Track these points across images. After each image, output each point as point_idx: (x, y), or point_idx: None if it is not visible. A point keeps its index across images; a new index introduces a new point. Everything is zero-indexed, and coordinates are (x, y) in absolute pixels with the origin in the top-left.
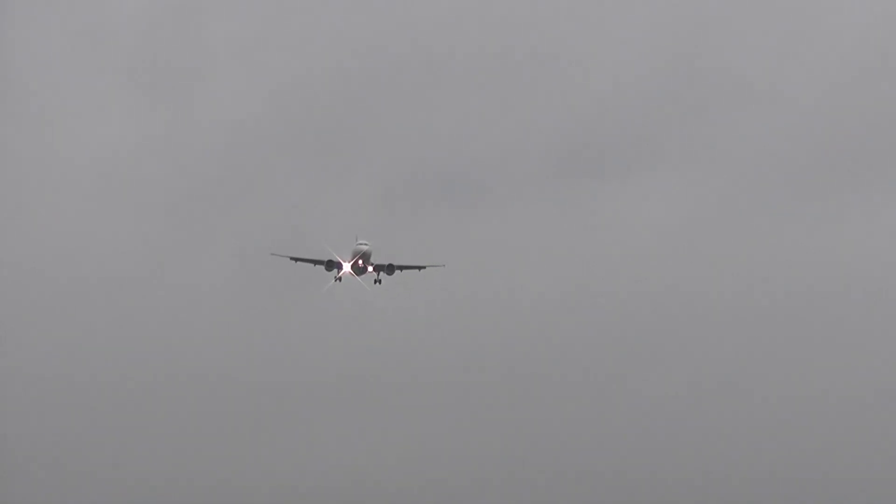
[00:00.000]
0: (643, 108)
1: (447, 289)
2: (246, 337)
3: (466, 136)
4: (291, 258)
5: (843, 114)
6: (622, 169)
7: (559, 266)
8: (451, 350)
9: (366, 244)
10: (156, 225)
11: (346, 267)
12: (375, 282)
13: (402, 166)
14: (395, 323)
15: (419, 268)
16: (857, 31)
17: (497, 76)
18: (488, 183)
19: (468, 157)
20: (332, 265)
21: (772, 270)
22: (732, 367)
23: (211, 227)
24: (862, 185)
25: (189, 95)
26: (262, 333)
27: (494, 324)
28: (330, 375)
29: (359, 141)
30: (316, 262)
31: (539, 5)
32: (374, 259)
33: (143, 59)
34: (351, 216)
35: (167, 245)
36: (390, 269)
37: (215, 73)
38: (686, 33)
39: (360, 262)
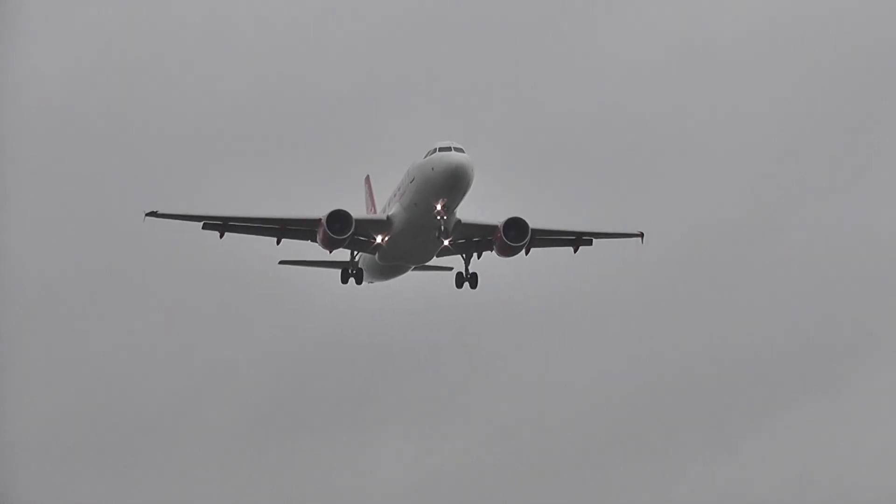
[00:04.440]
0: None
1: None
2: None
3: None
4: (208, 222)
5: None
6: None
7: None
8: None
9: (460, 147)
10: None
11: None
12: (463, 280)
13: None
14: None
15: (580, 239)
16: None
17: None
18: None
19: None
20: (345, 227)
21: None
22: None
23: None
24: None
25: None
26: None
27: None
28: None
29: None
30: (291, 229)
31: None
32: (463, 213)
33: None
34: None
35: None
36: (517, 235)
37: None
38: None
39: (442, 209)
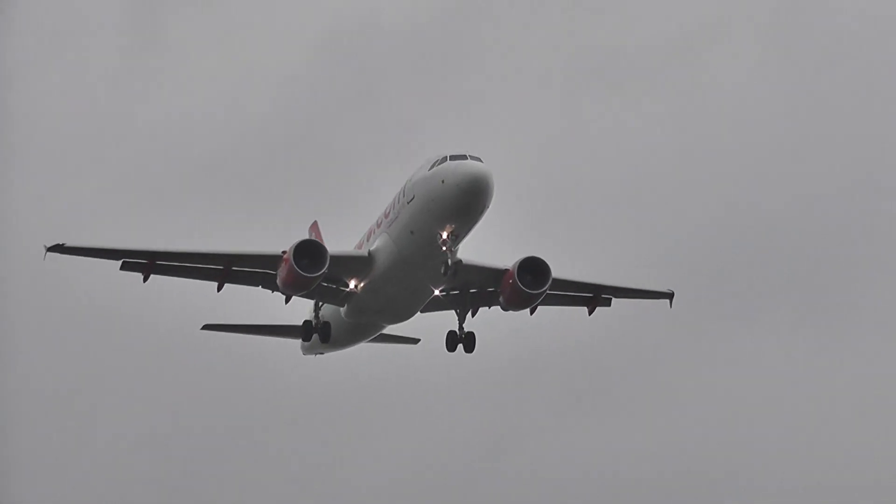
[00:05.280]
0: None
1: None
2: None
3: None
4: (129, 260)
5: None
6: None
7: None
8: None
9: (477, 157)
10: None
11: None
12: (457, 341)
13: None
14: None
15: (597, 297)
16: None
17: None
18: None
19: None
20: (316, 263)
21: None
22: None
23: None
24: None
25: None
26: None
27: None
28: None
29: None
30: (238, 271)
31: None
32: (465, 254)
33: None
34: None
35: None
36: (534, 281)
37: None
38: None
39: (448, 238)
